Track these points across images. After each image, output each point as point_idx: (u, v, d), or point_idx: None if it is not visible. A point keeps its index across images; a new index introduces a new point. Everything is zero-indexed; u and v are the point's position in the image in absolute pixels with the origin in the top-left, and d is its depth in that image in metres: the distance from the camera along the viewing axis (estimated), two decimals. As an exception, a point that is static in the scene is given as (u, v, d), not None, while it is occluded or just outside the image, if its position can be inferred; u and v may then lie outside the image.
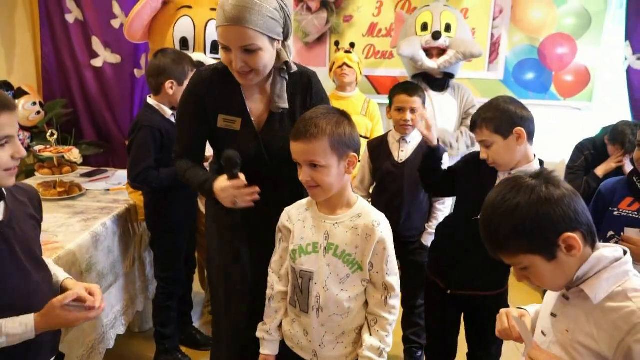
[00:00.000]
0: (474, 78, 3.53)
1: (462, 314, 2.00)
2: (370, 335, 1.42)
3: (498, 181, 1.76)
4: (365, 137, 2.91)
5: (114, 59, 3.48)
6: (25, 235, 1.31)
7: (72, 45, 3.47)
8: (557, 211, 1.02)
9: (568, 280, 1.07)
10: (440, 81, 2.98)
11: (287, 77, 1.66)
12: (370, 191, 2.51)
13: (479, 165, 1.84)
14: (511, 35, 3.61)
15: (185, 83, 2.21)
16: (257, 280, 1.70)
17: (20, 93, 3.25)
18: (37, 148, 2.54)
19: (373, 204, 2.40)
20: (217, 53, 2.75)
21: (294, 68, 1.66)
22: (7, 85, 3.19)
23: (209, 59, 2.73)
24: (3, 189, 1.27)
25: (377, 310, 1.42)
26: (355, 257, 1.40)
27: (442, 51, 2.94)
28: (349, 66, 2.95)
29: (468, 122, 2.89)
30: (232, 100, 1.66)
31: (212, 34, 2.74)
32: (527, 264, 1.06)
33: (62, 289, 1.40)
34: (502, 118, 1.69)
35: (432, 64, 2.91)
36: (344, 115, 1.40)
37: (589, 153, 3.10)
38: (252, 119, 1.67)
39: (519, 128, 1.68)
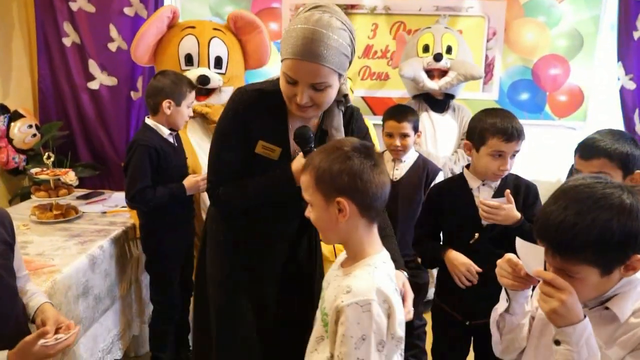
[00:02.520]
0: (470, 99, 3.55)
1: (472, 340, 1.98)
2: None
3: (477, 197, 1.81)
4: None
5: (110, 81, 3.48)
6: None
7: (68, 68, 3.47)
8: None
9: (598, 296, 1.05)
10: (441, 102, 3.01)
11: (343, 109, 1.59)
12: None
13: (449, 190, 1.94)
14: (505, 57, 3.65)
15: (183, 103, 2.22)
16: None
17: (16, 116, 3.24)
18: (33, 170, 2.52)
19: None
20: (220, 68, 2.81)
21: (351, 101, 1.60)
22: (3, 109, 3.18)
23: (213, 74, 2.83)
24: None
25: None
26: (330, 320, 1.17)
27: (443, 72, 2.97)
28: None
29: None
30: (276, 127, 1.56)
31: (215, 50, 2.88)
32: (582, 275, 1.01)
33: (38, 312, 1.39)
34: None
35: (433, 85, 2.94)
36: (358, 156, 1.15)
37: None
38: (291, 150, 1.58)
39: None
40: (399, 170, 2.35)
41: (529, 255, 1.09)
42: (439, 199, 1.95)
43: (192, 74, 2.73)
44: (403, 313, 1.18)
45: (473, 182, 1.86)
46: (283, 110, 1.54)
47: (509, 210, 1.71)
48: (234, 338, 1.67)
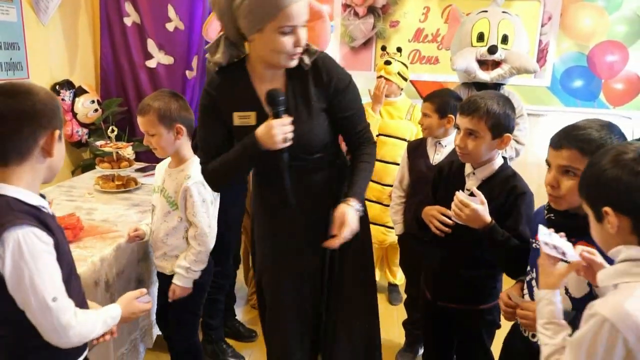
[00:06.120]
0: (521, 85, 3.50)
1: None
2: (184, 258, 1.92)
3: (468, 183, 1.73)
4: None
5: (167, 60, 3.63)
6: None
7: (128, 46, 3.64)
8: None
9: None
10: (491, 88, 2.95)
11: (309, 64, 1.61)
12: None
13: (449, 170, 1.85)
14: (559, 42, 3.58)
15: None
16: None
17: (80, 91, 3.43)
18: (98, 143, 2.69)
19: (407, 205, 2.46)
20: None
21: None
22: (69, 84, 3.38)
23: None
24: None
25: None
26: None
27: (496, 63, 2.89)
28: (386, 78, 2.98)
29: (514, 131, 2.88)
30: (244, 95, 1.61)
31: None
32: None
33: None
34: (500, 119, 1.65)
35: (485, 76, 2.86)
36: (172, 98, 1.88)
37: None
38: (266, 111, 1.59)
39: (507, 135, 1.67)
40: (439, 155, 2.34)
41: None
42: (438, 176, 1.89)
43: None
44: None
45: (469, 168, 1.76)
46: (246, 77, 1.61)
47: (476, 212, 1.57)
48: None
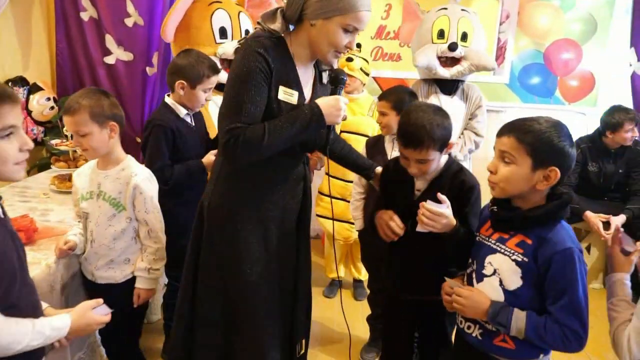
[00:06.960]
0: (480, 81, 3.57)
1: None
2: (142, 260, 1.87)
3: (417, 183, 1.72)
4: (372, 137, 2.97)
5: (127, 56, 3.55)
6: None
7: (86, 42, 3.53)
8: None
9: None
10: (450, 84, 3.00)
11: None
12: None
13: (394, 169, 1.81)
14: (517, 40, 3.67)
15: (199, 87, 2.21)
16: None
17: (35, 88, 3.33)
18: (53, 142, 2.61)
19: (366, 202, 2.48)
20: None
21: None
22: (22, 81, 3.26)
23: None
24: None
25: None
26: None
27: (456, 60, 2.94)
28: (349, 75, 2.99)
29: (473, 123, 2.94)
30: (289, 73, 1.63)
31: (245, 23, 3.00)
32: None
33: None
34: (444, 137, 1.61)
35: (445, 72, 2.92)
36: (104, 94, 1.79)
37: (585, 146, 3.23)
38: (304, 94, 1.67)
39: (450, 143, 1.66)
40: (396, 152, 2.34)
41: None
42: (385, 175, 1.87)
43: (231, 46, 2.78)
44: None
45: None
46: (290, 55, 1.64)
47: (450, 218, 1.54)
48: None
